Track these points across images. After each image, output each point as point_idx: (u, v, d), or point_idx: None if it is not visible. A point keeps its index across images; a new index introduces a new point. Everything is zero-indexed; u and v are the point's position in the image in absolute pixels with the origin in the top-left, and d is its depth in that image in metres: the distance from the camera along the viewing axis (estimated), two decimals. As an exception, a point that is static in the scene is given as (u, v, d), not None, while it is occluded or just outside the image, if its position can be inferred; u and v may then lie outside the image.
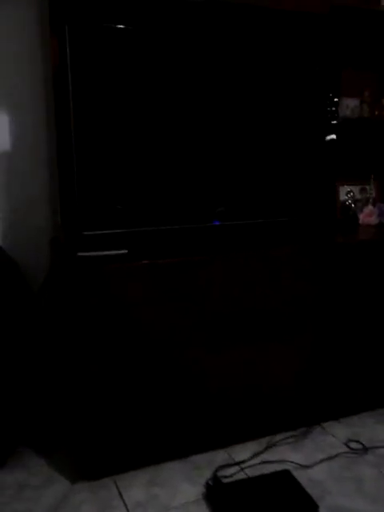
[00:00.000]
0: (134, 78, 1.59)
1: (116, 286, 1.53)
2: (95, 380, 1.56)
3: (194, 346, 1.68)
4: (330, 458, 1.74)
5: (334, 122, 1.98)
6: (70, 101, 1.47)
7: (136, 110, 1.61)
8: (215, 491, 1.56)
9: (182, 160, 1.74)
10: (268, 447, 1.79)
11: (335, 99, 1.96)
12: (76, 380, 1.62)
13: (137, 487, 1.60)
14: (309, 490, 1.56)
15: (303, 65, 1.85)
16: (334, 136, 2.00)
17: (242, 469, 1.68)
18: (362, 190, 2.44)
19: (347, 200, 2.39)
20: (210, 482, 1.60)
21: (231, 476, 1.64)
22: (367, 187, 2.44)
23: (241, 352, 1.75)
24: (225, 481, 1.61)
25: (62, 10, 1.42)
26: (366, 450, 1.79)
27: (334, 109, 1.97)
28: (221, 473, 1.65)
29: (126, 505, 1.52)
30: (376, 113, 2.32)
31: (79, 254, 1.58)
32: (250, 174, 1.88)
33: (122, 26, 1.52)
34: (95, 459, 1.62)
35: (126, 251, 1.61)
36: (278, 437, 1.85)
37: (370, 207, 2.34)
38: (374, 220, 2.32)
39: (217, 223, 1.82)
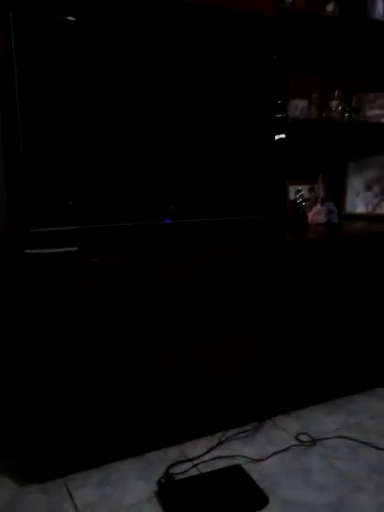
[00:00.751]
0: (82, 72, 1.57)
1: (66, 284, 1.51)
2: (45, 380, 1.53)
3: (146, 344, 1.67)
4: (280, 452, 1.77)
5: (283, 122, 2.02)
6: (16, 92, 1.42)
7: (86, 104, 1.58)
8: (167, 488, 1.56)
9: (132, 157, 1.72)
10: (221, 443, 1.81)
11: (284, 100, 2.00)
12: (24, 380, 1.58)
13: (88, 487, 1.57)
14: (260, 483, 1.59)
15: (252, 65, 1.87)
16: (283, 136, 2.04)
17: (195, 465, 1.69)
18: (311, 190, 2.52)
19: (297, 199, 2.45)
20: (163, 480, 1.59)
21: (184, 473, 1.64)
22: (316, 187, 2.52)
23: (193, 349, 1.76)
24: (177, 478, 1.61)
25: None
26: (314, 441, 1.84)
27: (282, 109, 2.01)
28: (174, 470, 1.65)
29: (76, 506, 1.49)
30: (323, 114, 2.40)
31: (27, 251, 1.54)
32: (201, 173, 1.89)
33: (71, 18, 1.49)
34: (45, 460, 1.58)
35: (76, 249, 1.58)
36: (231, 432, 1.87)
37: (319, 206, 2.41)
38: (322, 219, 2.40)
39: (168, 221, 1.82)
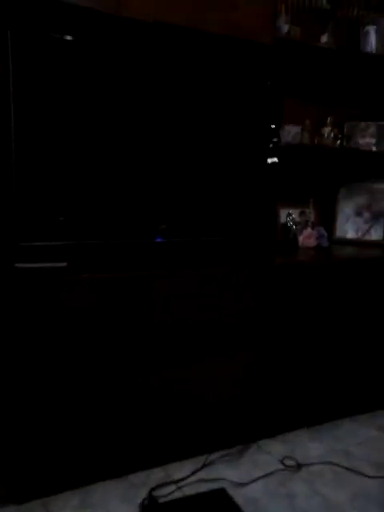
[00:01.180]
0: (78, 90, 1.59)
1: (54, 299, 1.50)
2: (25, 399, 1.50)
3: (132, 363, 1.66)
4: (265, 476, 1.75)
5: (276, 146, 2.06)
6: (11, 107, 1.44)
7: (80, 122, 1.61)
8: (150, 511, 1.52)
9: (125, 175, 1.74)
10: (205, 465, 1.78)
11: (277, 125, 2.05)
12: (6, 397, 1.55)
13: (68, 509, 1.53)
14: (244, 507, 1.57)
15: (247, 91, 1.92)
16: (275, 160, 2.08)
17: (179, 487, 1.66)
18: (302, 213, 2.55)
19: (288, 222, 2.48)
20: (146, 502, 1.56)
21: (167, 495, 1.61)
22: (307, 210, 2.55)
23: (179, 370, 1.75)
24: (161, 500, 1.58)
25: (4, 14, 1.41)
26: (299, 466, 1.82)
27: (275, 134, 2.05)
28: (157, 492, 1.62)
29: (55, 529, 1.46)
30: (315, 141, 2.45)
31: (17, 265, 1.54)
32: (194, 194, 1.91)
33: (68, 37, 1.52)
34: (24, 481, 1.54)
35: (66, 264, 1.58)
36: (215, 455, 1.84)
37: (309, 230, 2.44)
38: (312, 242, 2.43)
39: (159, 240, 1.83)
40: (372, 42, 2.45)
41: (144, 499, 1.58)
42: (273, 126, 2.02)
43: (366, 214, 2.63)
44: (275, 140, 2.12)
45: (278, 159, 2.18)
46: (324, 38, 2.33)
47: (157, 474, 1.72)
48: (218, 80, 1.85)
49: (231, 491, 1.64)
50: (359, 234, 2.62)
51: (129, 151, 1.73)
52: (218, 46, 1.79)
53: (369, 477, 1.77)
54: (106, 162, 1.69)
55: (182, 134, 1.83)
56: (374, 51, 2.42)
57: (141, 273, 1.64)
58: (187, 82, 1.79)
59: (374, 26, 2.46)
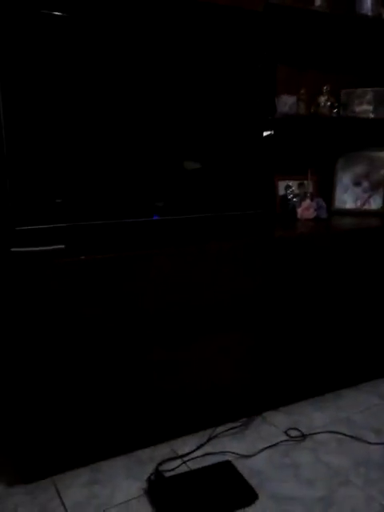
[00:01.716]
0: (67, 68, 1.55)
1: (53, 282, 1.49)
2: (32, 379, 1.51)
3: (135, 342, 1.66)
4: (270, 447, 1.78)
5: (271, 117, 2.02)
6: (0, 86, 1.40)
7: (72, 99, 1.57)
8: (157, 486, 1.55)
9: (120, 153, 1.71)
10: (210, 439, 1.81)
11: (271, 95, 2.00)
12: (12, 379, 1.56)
13: (77, 487, 1.56)
14: (249, 479, 1.59)
15: (239, 60, 1.87)
16: (271, 131, 2.04)
17: (185, 462, 1.69)
18: (301, 185, 2.52)
19: (286, 194, 2.45)
20: (152, 477, 1.59)
21: (173, 470, 1.64)
22: (305, 182, 2.52)
23: (183, 346, 1.75)
24: (167, 475, 1.61)
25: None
26: (304, 437, 1.84)
27: (270, 104, 2.01)
28: (163, 467, 1.65)
29: (64, 505, 1.49)
30: (312, 110, 2.40)
31: (13, 249, 1.53)
32: (190, 170, 1.88)
33: (56, 13, 1.47)
34: (33, 460, 1.57)
35: (63, 246, 1.56)
36: (221, 428, 1.87)
37: (308, 201, 2.41)
38: (311, 214, 2.40)
39: (156, 218, 1.81)
40: (368, 3, 2.36)
41: (151, 474, 1.60)
42: (267, 97, 1.97)
43: (365, 184, 2.59)
44: (271, 111, 2.08)
45: (275, 130, 2.14)
46: (317, 2, 2.25)
47: (163, 450, 1.75)
48: (209, 50, 1.80)
49: (236, 463, 1.67)
50: (358, 203, 2.59)
51: (122, 128, 1.69)
52: (204, 14, 1.73)
53: (371, 443, 1.80)
54: (100, 141, 1.65)
55: (175, 108, 1.79)
56: (370, 13, 2.34)
57: (139, 252, 1.63)
58: (177, 55, 1.74)
59: (370, -13, 2.38)
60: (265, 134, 2.05)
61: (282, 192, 2.47)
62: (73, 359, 1.57)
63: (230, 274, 1.80)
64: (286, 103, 2.31)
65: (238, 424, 1.90)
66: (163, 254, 1.67)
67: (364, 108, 2.54)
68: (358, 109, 2.52)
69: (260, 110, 1.98)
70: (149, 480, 1.58)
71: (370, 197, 2.58)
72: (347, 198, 2.61)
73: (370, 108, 2.52)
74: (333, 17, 2.20)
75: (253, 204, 2.07)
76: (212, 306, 1.78)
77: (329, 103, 2.42)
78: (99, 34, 1.59)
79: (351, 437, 1.84)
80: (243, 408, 1.93)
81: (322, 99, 2.42)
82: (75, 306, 1.54)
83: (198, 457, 1.72)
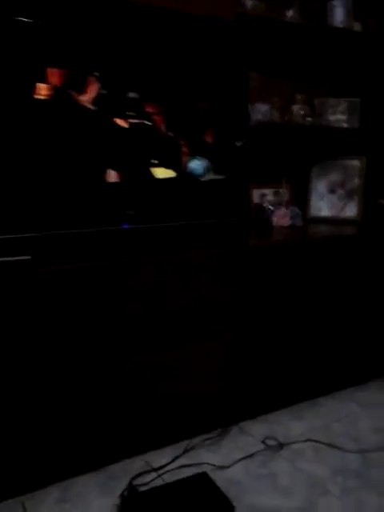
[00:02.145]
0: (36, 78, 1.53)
1: (18, 294, 1.45)
2: (-2, 393, 1.46)
3: (105, 353, 1.62)
4: (247, 457, 1.75)
5: (245, 125, 2.02)
6: None
7: (36, 104, 1.54)
8: (130, 501, 1.51)
9: (88, 161, 1.69)
10: (186, 451, 1.77)
11: (244, 104, 2.01)
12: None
13: (46, 506, 1.50)
14: (226, 490, 1.56)
15: (211, 68, 1.87)
16: (246, 139, 2.04)
17: (160, 475, 1.65)
18: (276, 193, 2.53)
19: (262, 202, 2.46)
20: (125, 493, 1.54)
21: (148, 483, 1.59)
22: (280, 190, 2.53)
23: (157, 356, 1.72)
24: (141, 489, 1.56)
25: None
26: (281, 446, 1.82)
27: (244, 112, 2.01)
28: (138, 481, 1.60)
29: (33, 525, 1.43)
30: (286, 118, 2.41)
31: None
32: (161, 178, 1.87)
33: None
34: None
35: (30, 257, 1.52)
36: (197, 439, 1.83)
37: (283, 209, 2.42)
38: (286, 222, 2.41)
39: (126, 226, 1.78)
40: (339, 15, 2.41)
41: (124, 490, 1.55)
42: (240, 104, 1.98)
43: (340, 192, 2.62)
44: (244, 118, 2.09)
45: (249, 138, 2.15)
46: (290, 13, 2.28)
47: (137, 463, 1.70)
48: (181, 58, 1.80)
49: (213, 475, 1.63)
50: (333, 211, 2.61)
51: (89, 137, 1.67)
52: (177, 23, 1.73)
53: (348, 451, 1.79)
54: (66, 147, 1.63)
55: (144, 114, 1.78)
56: (342, 26, 2.39)
57: (106, 262, 1.59)
58: (146, 62, 1.74)
59: (341, 1, 2.42)
60: (238, 141, 2.05)
61: (257, 200, 2.47)
62: (39, 370, 1.51)
63: (205, 282, 1.78)
64: (260, 111, 2.32)
65: (215, 434, 1.87)
66: (132, 264, 1.63)
67: (338, 117, 2.57)
68: (331, 118, 2.55)
69: (233, 117, 1.98)
70: (122, 496, 1.53)
71: (345, 205, 2.60)
72: (322, 205, 2.63)
73: (344, 118, 2.56)
74: (305, 28, 2.23)
75: (227, 212, 2.07)
76: (184, 315, 1.76)
77: (302, 112, 2.45)
78: (68, 35, 1.58)
79: (329, 445, 1.82)
80: (220, 418, 1.90)
81: (296, 108, 2.44)
82: (41, 317, 1.49)
83: (173, 469, 1.68)
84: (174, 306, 1.73)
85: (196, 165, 2.01)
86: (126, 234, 1.76)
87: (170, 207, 1.90)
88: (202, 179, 2.00)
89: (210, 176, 2.03)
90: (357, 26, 2.44)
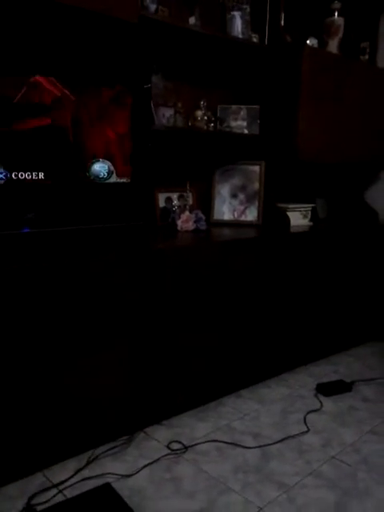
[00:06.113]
0: None
1: None
2: None
3: (5, 363, 1.53)
4: (151, 463, 1.74)
5: (148, 130, 2.02)
6: None
7: None
8: (28, 522, 1.43)
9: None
10: (89, 462, 1.72)
11: (148, 106, 2.00)
12: None
13: None
14: (129, 499, 1.55)
15: (113, 68, 1.84)
16: (148, 143, 2.04)
17: (61, 491, 1.58)
18: (181, 197, 2.55)
19: (167, 207, 2.47)
20: (23, 514, 1.47)
21: (48, 501, 1.53)
22: (185, 194, 2.56)
23: (56, 366, 1.65)
24: (39, 508, 1.49)
25: None
26: (186, 448, 1.84)
27: (148, 115, 2.01)
28: (36, 500, 1.53)
29: None
30: (189, 123, 2.44)
31: None
32: (64, 180, 1.80)
33: None
34: None
35: None
36: (100, 449, 1.79)
37: (187, 213, 2.44)
38: (191, 226, 2.44)
39: (27, 230, 1.70)
40: (238, 26, 2.49)
41: (21, 511, 1.47)
42: (143, 108, 1.97)
43: (241, 196, 2.71)
44: (148, 122, 2.08)
45: (153, 142, 2.14)
46: (192, 20, 2.31)
47: (36, 480, 1.62)
48: (81, 56, 1.75)
49: (117, 485, 1.61)
50: (235, 215, 2.70)
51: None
52: (78, 20, 1.67)
53: (248, 448, 1.86)
54: None
55: (47, 113, 1.70)
56: (241, 36, 2.47)
57: (5, 267, 1.50)
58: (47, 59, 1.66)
59: (239, 12, 2.51)
60: (142, 145, 2.04)
61: (162, 204, 2.48)
62: None
63: (109, 287, 1.75)
64: (164, 115, 2.33)
65: (120, 442, 1.85)
66: (32, 270, 1.55)
67: (239, 123, 2.67)
68: (233, 124, 2.64)
69: (136, 120, 1.97)
70: (19, 517, 1.46)
71: (246, 208, 2.70)
72: (225, 209, 2.71)
73: (244, 124, 2.66)
74: (205, 36, 2.27)
75: (131, 216, 2.05)
76: (85, 322, 1.70)
77: (205, 117, 2.49)
78: None
79: (231, 443, 1.88)
80: (124, 425, 1.88)
81: (199, 113, 2.48)
82: None
83: (75, 483, 1.62)
84: (73, 313, 1.67)
85: (99, 167, 1.97)
86: (25, 238, 1.67)
87: (73, 211, 1.83)
88: (106, 182, 1.97)
89: (114, 179, 2.00)
90: (255, 38, 2.54)
